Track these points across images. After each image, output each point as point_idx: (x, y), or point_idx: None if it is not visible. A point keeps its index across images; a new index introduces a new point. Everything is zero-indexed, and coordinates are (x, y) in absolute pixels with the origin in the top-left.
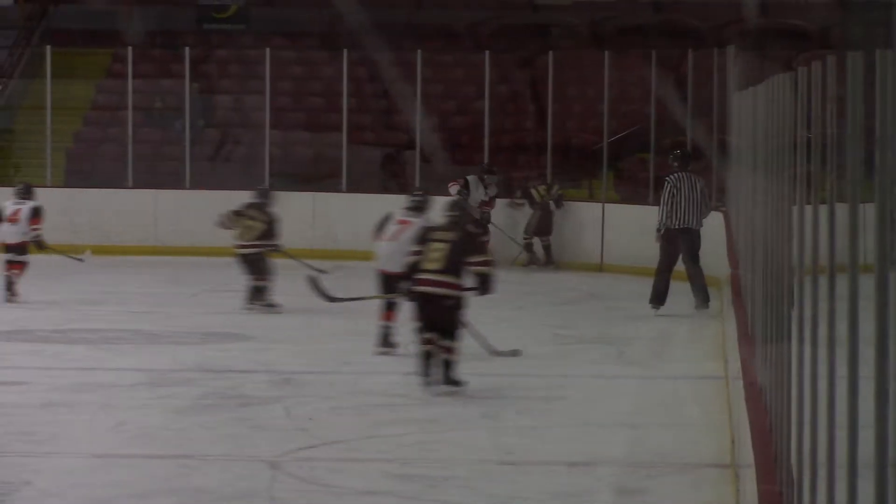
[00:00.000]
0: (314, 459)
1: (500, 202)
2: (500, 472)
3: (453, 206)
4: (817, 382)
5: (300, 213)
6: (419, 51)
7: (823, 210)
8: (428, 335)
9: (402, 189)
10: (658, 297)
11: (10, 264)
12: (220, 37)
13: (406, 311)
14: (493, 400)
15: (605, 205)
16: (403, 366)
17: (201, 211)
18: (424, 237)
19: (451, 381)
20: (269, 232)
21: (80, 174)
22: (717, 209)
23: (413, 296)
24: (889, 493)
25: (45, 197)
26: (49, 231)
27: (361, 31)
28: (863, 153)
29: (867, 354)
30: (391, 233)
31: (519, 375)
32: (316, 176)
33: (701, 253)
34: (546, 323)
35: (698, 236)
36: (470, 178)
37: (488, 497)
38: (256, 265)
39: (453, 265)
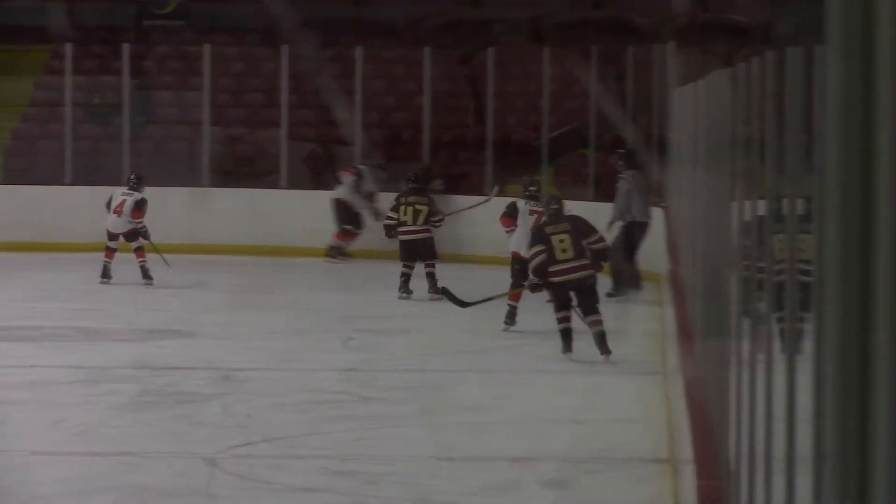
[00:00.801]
0: (253, 456)
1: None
2: (440, 468)
3: (551, 199)
4: (756, 377)
5: (239, 210)
6: (359, 47)
7: (762, 206)
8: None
9: (324, 185)
10: (636, 282)
11: (109, 251)
12: (159, 33)
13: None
14: (434, 396)
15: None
16: (343, 363)
17: None
18: (542, 235)
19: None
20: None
21: (19, 171)
22: (657, 205)
23: (550, 286)
24: (826, 487)
25: None
26: None
27: (302, 27)
28: (802, 148)
29: (806, 349)
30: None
31: (460, 371)
32: (256, 172)
33: (640, 248)
34: (487, 318)
35: (647, 229)
36: (364, 167)
37: (428, 493)
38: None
39: (580, 250)
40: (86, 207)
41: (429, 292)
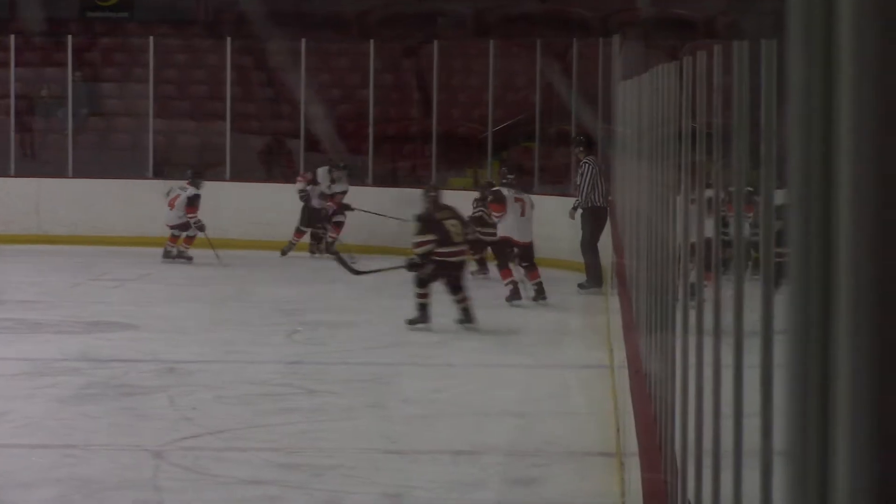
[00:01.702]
0: (199, 449)
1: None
2: (385, 461)
3: (430, 189)
4: (702, 371)
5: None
6: (304, 39)
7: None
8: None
9: (286, 178)
10: (598, 279)
11: (173, 237)
12: (103, 25)
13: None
14: (379, 388)
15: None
16: (288, 356)
17: (85, 200)
18: (433, 222)
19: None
20: None
21: None
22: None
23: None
24: (774, 481)
25: None
26: None
27: (247, 19)
28: (748, 142)
29: (753, 343)
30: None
31: (405, 364)
32: (200, 165)
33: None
34: (431, 311)
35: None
36: (321, 169)
37: (374, 486)
38: None
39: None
40: (30, 199)
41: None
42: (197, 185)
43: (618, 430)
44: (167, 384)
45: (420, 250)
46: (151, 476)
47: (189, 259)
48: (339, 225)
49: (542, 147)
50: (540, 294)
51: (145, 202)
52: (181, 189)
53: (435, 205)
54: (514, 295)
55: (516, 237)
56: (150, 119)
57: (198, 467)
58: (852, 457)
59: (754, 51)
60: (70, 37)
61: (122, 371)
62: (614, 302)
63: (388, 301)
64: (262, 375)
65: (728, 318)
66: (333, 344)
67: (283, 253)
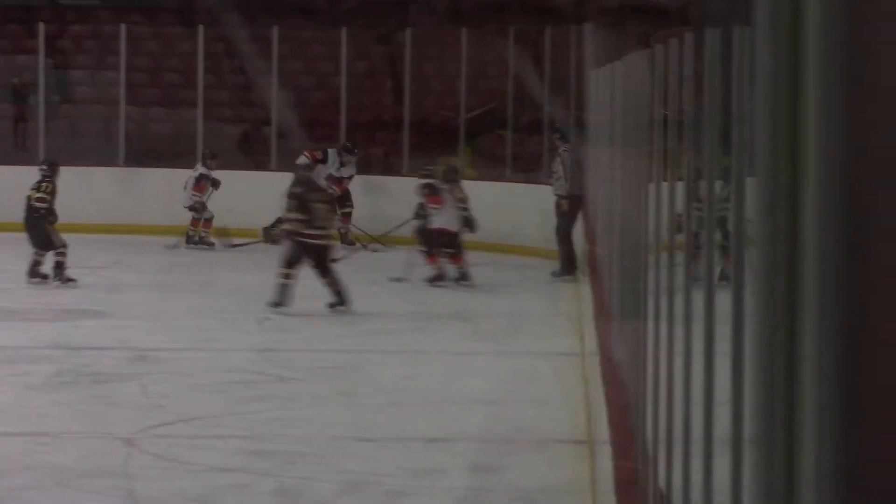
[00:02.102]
0: (171, 436)
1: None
2: (356, 448)
3: (304, 168)
4: (673, 359)
5: (155, 190)
6: (275, 27)
7: (680, 187)
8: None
9: (260, 166)
10: (571, 267)
11: (194, 221)
12: (75, 13)
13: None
14: (350, 377)
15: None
16: (259, 344)
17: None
18: (302, 202)
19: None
20: None
21: None
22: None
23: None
24: (745, 469)
25: None
26: None
27: (218, 6)
28: (719, 130)
29: (724, 331)
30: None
31: (376, 352)
32: (172, 152)
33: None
34: (400, 300)
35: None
36: (330, 150)
37: (345, 473)
38: None
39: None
40: (1, 186)
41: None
42: (208, 166)
43: (589, 418)
44: (139, 372)
45: (287, 227)
46: (123, 464)
47: (210, 245)
48: (348, 216)
49: (515, 135)
50: (464, 278)
51: (116, 190)
52: (195, 170)
53: (309, 185)
54: (438, 278)
55: (449, 227)
56: (122, 106)
57: (169, 455)
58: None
59: (725, 38)
60: (41, 24)
61: (93, 359)
62: (586, 290)
63: (360, 288)
64: (234, 363)
65: (700, 306)
66: (304, 332)
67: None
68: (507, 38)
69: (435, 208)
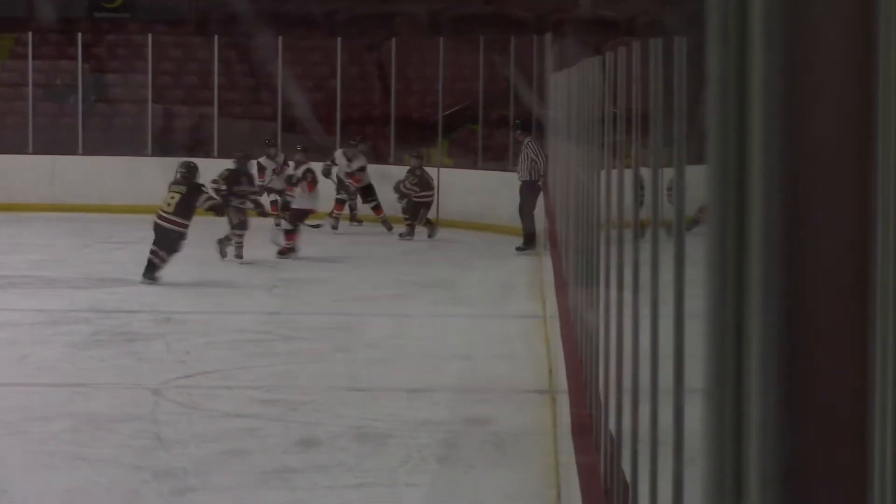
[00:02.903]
0: (192, 387)
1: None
2: (351, 397)
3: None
4: (622, 320)
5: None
6: (280, 37)
7: (628, 174)
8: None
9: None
10: (532, 242)
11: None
12: (109, 24)
13: None
14: (346, 336)
15: (441, 169)
16: (268, 308)
17: (93, 173)
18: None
19: None
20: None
21: None
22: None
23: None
24: (685, 415)
25: None
26: None
27: (232, 19)
28: (662, 125)
29: (666, 296)
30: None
31: (368, 315)
32: (192, 144)
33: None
34: (390, 270)
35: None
36: (337, 152)
37: (341, 419)
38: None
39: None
40: (45, 172)
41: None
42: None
43: (550, 371)
44: (164, 332)
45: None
46: (151, 411)
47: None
48: (378, 208)
49: (485, 129)
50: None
51: (144, 176)
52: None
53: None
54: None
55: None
56: (149, 105)
57: (191, 403)
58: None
59: (667, 46)
60: (80, 34)
61: (125, 320)
62: (547, 261)
63: (353, 261)
64: (246, 324)
65: (646, 274)
66: (307, 298)
67: (334, 227)
68: (479, 46)
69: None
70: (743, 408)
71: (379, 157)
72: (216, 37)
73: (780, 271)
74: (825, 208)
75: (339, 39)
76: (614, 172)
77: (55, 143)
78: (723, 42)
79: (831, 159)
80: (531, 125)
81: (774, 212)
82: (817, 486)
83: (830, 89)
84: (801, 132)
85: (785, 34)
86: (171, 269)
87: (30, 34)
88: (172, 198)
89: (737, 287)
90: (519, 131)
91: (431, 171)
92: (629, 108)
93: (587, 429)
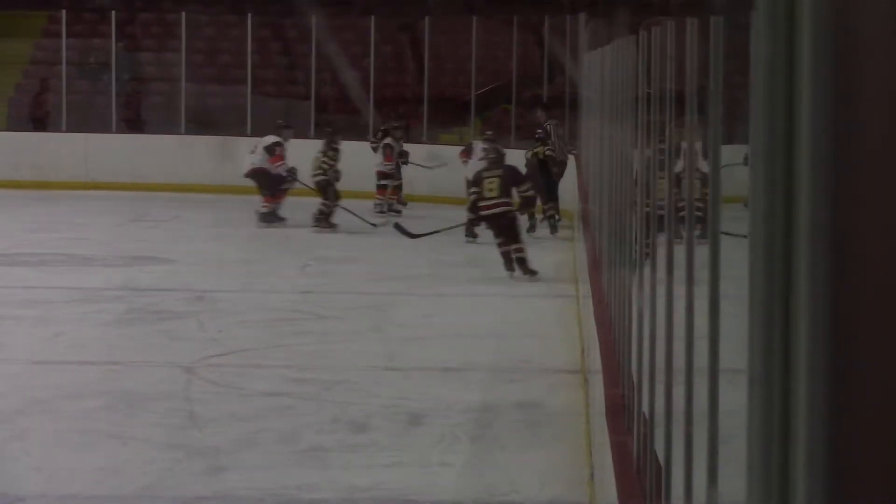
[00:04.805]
0: (224, 366)
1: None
2: (385, 376)
3: (491, 150)
4: (656, 300)
5: (212, 154)
6: (314, 16)
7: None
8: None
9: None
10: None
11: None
12: (142, 2)
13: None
14: (379, 314)
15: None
16: (301, 286)
17: (126, 151)
18: (477, 178)
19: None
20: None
21: (21, 119)
22: (570, 153)
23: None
24: (719, 395)
25: None
26: None
27: None
28: (696, 104)
29: (702, 276)
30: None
31: (401, 294)
32: (225, 122)
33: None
34: (422, 250)
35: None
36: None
37: (374, 398)
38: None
39: (507, 192)
40: (78, 151)
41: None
42: (280, 134)
43: (583, 351)
44: (197, 310)
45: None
46: (184, 388)
47: (398, 212)
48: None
49: (518, 108)
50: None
51: (177, 154)
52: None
53: (495, 163)
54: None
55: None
56: (183, 83)
57: (224, 381)
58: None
59: (704, 25)
60: (114, 12)
61: (158, 299)
62: (580, 241)
63: (386, 240)
64: (279, 303)
65: (680, 256)
66: (340, 277)
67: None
68: (512, 26)
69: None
70: (790, 394)
71: (412, 137)
72: (250, 15)
73: (829, 256)
74: (875, 194)
75: (372, 19)
76: (649, 152)
77: (88, 121)
78: (770, 22)
79: (883, 144)
80: (553, 108)
81: (823, 196)
82: (864, 475)
83: (883, 70)
84: (851, 115)
85: (835, 12)
86: (202, 247)
87: (63, 12)
88: (492, 183)
89: (783, 273)
90: (543, 113)
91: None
92: (664, 88)
93: (620, 409)
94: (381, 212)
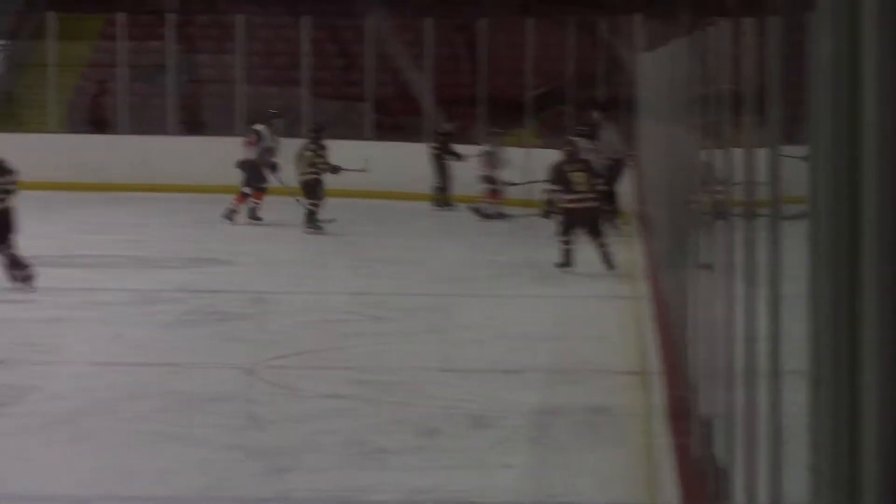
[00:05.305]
0: (284, 367)
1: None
2: (443, 377)
3: (567, 143)
4: (715, 302)
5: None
6: (370, 18)
7: (722, 154)
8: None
9: (358, 136)
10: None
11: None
12: (200, 4)
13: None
14: (437, 315)
15: (529, 149)
16: (357, 288)
17: (184, 153)
18: (560, 173)
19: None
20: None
21: (79, 121)
22: (627, 153)
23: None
24: (782, 398)
25: (49, 141)
26: (51, 170)
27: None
28: (755, 103)
29: (762, 277)
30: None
31: (459, 295)
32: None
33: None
34: (482, 251)
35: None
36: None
37: (434, 399)
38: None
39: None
40: (136, 152)
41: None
42: (269, 124)
43: (642, 353)
44: (256, 312)
45: (550, 197)
46: (244, 390)
47: (502, 216)
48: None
49: (573, 110)
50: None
51: (234, 156)
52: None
53: (571, 157)
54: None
55: None
56: (239, 85)
57: (283, 383)
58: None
59: (761, 26)
60: (171, 14)
61: (217, 300)
62: (639, 242)
63: (445, 241)
64: (336, 304)
65: (740, 256)
66: (396, 278)
67: (441, 205)
68: (568, 27)
69: None
70: (858, 396)
71: (467, 139)
72: (306, 17)
73: None
74: None
75: (428, 20)
76: (708, 153)
77: (146, 123)
78: (833, 22)
79: None
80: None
81: (889, 196)
82: None
83: None
84: None
85: None
86: (261, 248)
87: (122, 15)
88: (580, 177)
89: (849, 273)
90: (597, 114)
91: (519, 150)
92: (722, 89)
93: (680, 411)
94: (488, 214)
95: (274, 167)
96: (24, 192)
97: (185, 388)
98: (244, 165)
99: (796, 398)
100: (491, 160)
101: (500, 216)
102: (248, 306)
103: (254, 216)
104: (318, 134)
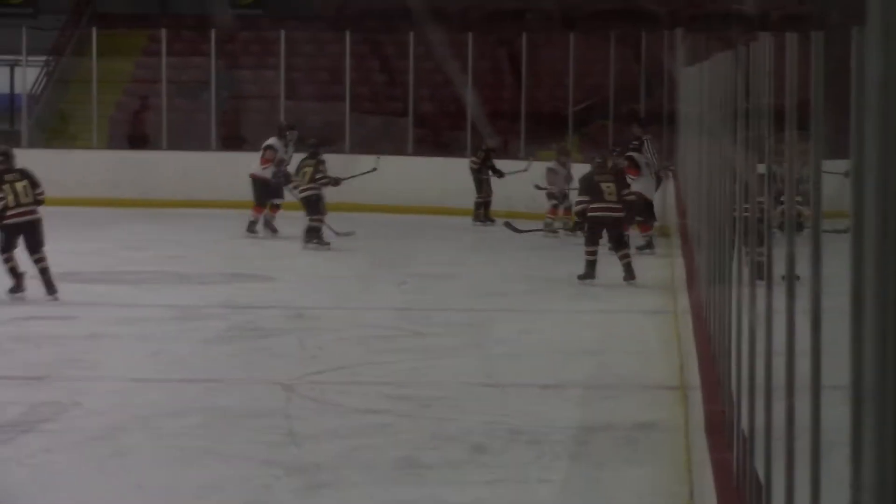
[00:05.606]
0: (323, 383)
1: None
2: (483, 393)
3: (600, 154)
4: (755, 316)
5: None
6: (412, 33)
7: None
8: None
9: (399, 151)
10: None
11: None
12: (241, 20)
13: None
14: (477, 331)
15: (572, 164)
16: (398, 303)
17: (226, 169)
18: (591, 184)
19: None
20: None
21: (121, 137)
22: (667, 168)
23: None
24: (822, 413)
25: (91, 157)
26: (92, 186)
27: (363, 14)
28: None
29: (803, 292)
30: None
31: (499, 310)
32: (323, 140)
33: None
34: (521, 266)
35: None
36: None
37: (473, 415)
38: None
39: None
40: (178, 168)
41: None
42: (283, 137)
43: (681, 367)
44: (295, 327)
45: (577, 208)
46: (283, 406)
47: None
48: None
49: (615, 124)
50: (648, 245)
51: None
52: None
53: (602, 168)
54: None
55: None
56: (282, 100)
57: (323, 398)
58: None
59: (804, 41)
60: (213, 30)
61: (257, 316)
62: (678, 257)
63: (485, 257)
64: (375, 320)
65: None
66: (437, 293)
67: (481, 220)
68: (610, 42)
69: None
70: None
71: (509, 153)
72: (348, 32)
73: None
74: None
75: (470, 35)
76: (750, 168)
77: (188, 139)
78: (885, 37)
79: None
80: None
81: None
82: None
83: None
84: None
85: None
86: (301, 263)
87: (163, 31)
88: (609, 186)
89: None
90: (639, 129)
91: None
92: (763, 104)
93: (720, 426)
94: (553, 230)
95: (287, 178)
96: (67, 209)
97: (224, 404)
98: (254, 181)
99: (837, 414)
100: (556, 176)
101: (553, 231)
102: (289, 322)
103: (252, 229)
104: (316, 148)
